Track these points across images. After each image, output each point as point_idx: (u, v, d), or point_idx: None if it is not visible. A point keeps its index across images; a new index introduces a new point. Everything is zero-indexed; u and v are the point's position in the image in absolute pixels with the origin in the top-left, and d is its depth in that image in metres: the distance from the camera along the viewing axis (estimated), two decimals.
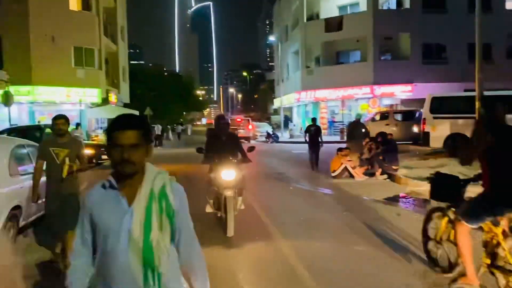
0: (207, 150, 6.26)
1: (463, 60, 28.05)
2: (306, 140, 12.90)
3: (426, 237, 4.33)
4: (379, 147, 10.70)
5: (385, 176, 10.36)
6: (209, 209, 6.31)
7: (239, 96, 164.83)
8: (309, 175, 11.82)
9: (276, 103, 42.88)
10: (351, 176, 10.61)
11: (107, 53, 32.15)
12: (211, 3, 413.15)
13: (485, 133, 3.33)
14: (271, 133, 31.53)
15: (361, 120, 16.16)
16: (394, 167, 10.41)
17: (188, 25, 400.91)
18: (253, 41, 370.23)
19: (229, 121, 7.40)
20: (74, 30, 26.80)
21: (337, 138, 24.78)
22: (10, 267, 3.88)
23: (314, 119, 13.63)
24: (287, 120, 47.03)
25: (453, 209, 3.84)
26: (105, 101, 29.58)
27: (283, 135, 33.66)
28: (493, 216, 3.41)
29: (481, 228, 3.60)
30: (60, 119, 4.55)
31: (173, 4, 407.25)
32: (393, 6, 30.55)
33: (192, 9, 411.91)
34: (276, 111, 73.25)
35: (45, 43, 25.71)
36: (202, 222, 5.89)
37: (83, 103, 27.27)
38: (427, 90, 28.17)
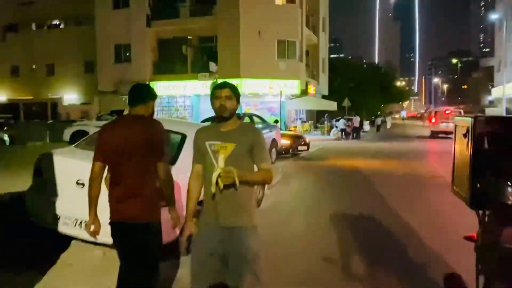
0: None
1: None
2: None
3: None
4: None
5: None
6: None
7: (444, 87, 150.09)
8: None
9: (496, 93, 36.36)
10: None
11: (308, 44, 32.40)
12: None
13: None
14: None
15: None
16: None
17: (390, 15, 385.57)
18: (463, 27, 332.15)
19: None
20: (278, 24, 27.55)
21: None
22: None
23: None
24: (509, 113, 39.53)
25: None
26: (304, 92, 29.85)
27: None
28: None
29: None
30: (224, 89, 2.59)
31: None
32: None
33: None
34: (492, 103, 63.22)
35: (252, 38, 27.21)
36: None
37: (283, 95, 28.03)
38: None
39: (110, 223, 2.77)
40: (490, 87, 67.03)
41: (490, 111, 48.53)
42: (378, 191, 8.70)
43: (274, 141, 12.52)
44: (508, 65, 31.55)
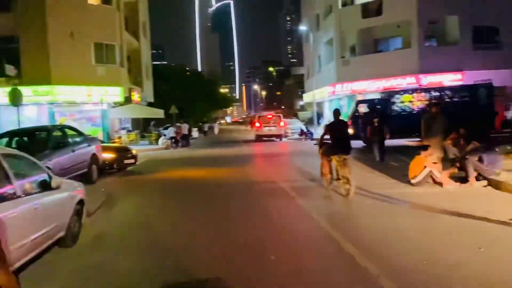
0: None
1: None
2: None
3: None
4: (474, 144, 8.30)
5: (484, 182, 7.97)
6: None
7: (262, 93, 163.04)
8: (381, 181, 9.52)
9: (306, 98, 40.45)
10: (434, 182, 8.32)
11: (129, 50, 30.55)
12: (231, 1, 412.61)
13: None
14: (305, 130, 29.23)
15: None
16: (496, 171, 7.98)
17: (209, 24, 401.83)
18: (274, 39, 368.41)
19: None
20: (94, 26, 25.36)
21: None
22: None
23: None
24: (318, 115, 44.50)
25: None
26: (128, 99, 27.95)
27: (317, 132, 31.32)
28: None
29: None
30: None
31: (193, 4, 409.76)
32: None
33: (213, 8, 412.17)
34: (302, 107, 70.94)
35: (64, 40, 24.38)
36: None
37: (105, 103, 25.62)
38: (479, 78, 25.51)
39: None
40: (300, 93, 75.60)
41: (301, 114, 54.14)
42: (214, 206, 8.00)
43: (94, 156, 10.76)
44: (316, 73, 35.38)
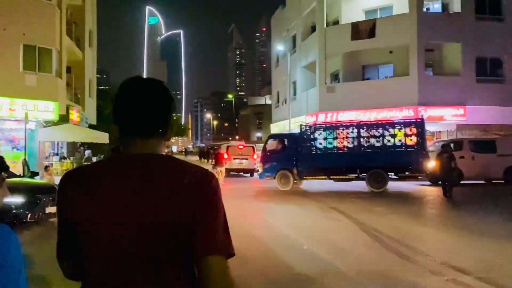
0: None
1: None
2: None
3: None
4: None
5: None
6: None
7: (214, 123, 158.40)
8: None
9: (275, 128, 35.93)
10: None
11: (70, 60, 24.95)
12: (181, 32, 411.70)
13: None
14: None
15: None
16: None
17: (157, 52, 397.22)
18: (223, 71, 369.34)
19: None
20: (26, 23, 19.90)
21: None
22: None
23: None
24: None
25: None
26: (65, 118, 22.20)
27: None
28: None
29: None
30: None
31: (143, 31, 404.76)
32: (437, 10, 24.83)
33: (162, 37, 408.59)
34: (260, 139, 66.97)
35: None
36: None
37: (32, 120, 19.69)
38: (482, 114, 22.68)
39: None
40: (258, 123, 72.44)
41: (259, 146, 49.82)
42: None
43: None
44: (289, 100, 31.11)
